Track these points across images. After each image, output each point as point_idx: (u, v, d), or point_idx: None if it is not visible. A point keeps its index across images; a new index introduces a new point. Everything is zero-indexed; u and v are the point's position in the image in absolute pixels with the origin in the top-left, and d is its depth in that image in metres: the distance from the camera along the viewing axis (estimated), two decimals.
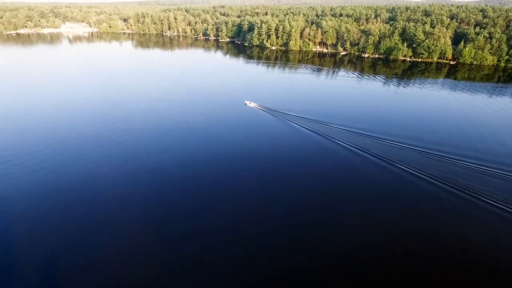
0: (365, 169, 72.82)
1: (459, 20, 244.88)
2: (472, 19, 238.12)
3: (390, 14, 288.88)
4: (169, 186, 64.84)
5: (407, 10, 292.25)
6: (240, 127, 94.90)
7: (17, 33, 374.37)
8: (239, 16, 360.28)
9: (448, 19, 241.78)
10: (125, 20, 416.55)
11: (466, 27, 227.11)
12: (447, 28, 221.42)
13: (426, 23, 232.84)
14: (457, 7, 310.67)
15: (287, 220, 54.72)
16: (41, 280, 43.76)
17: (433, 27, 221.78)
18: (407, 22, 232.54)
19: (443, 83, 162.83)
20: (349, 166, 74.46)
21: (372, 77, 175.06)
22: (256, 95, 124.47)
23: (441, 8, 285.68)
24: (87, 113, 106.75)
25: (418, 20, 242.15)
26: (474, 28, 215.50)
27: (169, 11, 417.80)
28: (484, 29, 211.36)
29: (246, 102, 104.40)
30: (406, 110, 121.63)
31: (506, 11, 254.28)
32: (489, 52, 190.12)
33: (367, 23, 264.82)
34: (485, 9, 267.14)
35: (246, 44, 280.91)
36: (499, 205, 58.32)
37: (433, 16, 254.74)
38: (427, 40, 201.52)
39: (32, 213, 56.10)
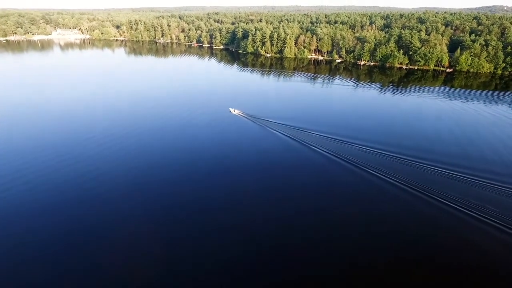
0: (347, 180, 71.49)
1: (454, 28, 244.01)
2: (467, 27, 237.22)
3: (385, 21, 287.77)
4: (140, 191, 65.75)
5: (401, 18, 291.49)
6: (220, 134, 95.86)
7: (6, 40, 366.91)
8: (233, 23, 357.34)
9: (443, 27, 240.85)
10: (117, 27, 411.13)
11: (461, 34, 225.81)
12: (442, 36, 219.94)
13: (421, 30, 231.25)
14: (451, 14, 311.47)
15: (269, 226, 55.88)
16: (39, 281, 44.57)
17: (429, 35, 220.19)
18: (402, 29, 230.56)
19: (439, 91, 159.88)
20: (330, 176, 73.27)
21: (367, 85, 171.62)
22: (244, 103, 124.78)
23: (435, 16, 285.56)
24: (75, 121, 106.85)
25: (413, 27, 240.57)
26: (470, 35, 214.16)
27: (163, 18, 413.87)
28: (479, 36, 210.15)
29: (230, 109, 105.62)
30: (400, 119, 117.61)
31: (499, 18, 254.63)
32: (486, 60, 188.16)
33: (362, 30, 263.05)
34: (478, 17, 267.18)
35: (240, 51, 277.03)
36: (494, 222, 56.67)
37: (427, 23, 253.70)
38: (423, 48, 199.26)
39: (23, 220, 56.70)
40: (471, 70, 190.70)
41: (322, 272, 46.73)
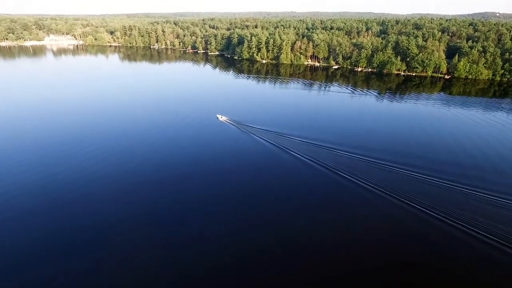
0: (330, 188, 70.48)
1: (450, 34, 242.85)
2: (464, 33, 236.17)
3: (381, 27, 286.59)
4: (124, 194, 66.34)
5: (397, 24, 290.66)
6: (203, 139, 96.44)
7: None
8: (228, 29, 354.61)
9: (440, 33, 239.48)
10: (111, 33, 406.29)
11: (458, 40, 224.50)
12: (439, 42, 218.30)
13: (417, 36, 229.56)
14: (446, 20, 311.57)
15: (250, 230, 56.18)
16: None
17: (425, 41, 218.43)
18: (399, 36, 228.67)
19: (437, 98, 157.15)
20: (315, 186, 71.62)
21: (364, 92, 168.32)
22: (235, 110, 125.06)
23: (431, 22, 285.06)
24: (62, 128, 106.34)
25: (409, 34, 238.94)
26: (467, 42, 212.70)
27: (157, 23, 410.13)
28: (477, 42, 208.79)
29: (218, 115, 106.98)
30: (395, 127, 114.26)
31: (495, 24, 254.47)
32: (484, 66, 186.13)
33: (358, 36, 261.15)
34: (474, 23, 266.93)
35: (236, 57, 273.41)
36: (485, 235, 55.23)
37: (424, 29, 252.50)
38: (420, 54, 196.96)
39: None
40: (470, 76, 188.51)
41: (303, 275, 47.11)
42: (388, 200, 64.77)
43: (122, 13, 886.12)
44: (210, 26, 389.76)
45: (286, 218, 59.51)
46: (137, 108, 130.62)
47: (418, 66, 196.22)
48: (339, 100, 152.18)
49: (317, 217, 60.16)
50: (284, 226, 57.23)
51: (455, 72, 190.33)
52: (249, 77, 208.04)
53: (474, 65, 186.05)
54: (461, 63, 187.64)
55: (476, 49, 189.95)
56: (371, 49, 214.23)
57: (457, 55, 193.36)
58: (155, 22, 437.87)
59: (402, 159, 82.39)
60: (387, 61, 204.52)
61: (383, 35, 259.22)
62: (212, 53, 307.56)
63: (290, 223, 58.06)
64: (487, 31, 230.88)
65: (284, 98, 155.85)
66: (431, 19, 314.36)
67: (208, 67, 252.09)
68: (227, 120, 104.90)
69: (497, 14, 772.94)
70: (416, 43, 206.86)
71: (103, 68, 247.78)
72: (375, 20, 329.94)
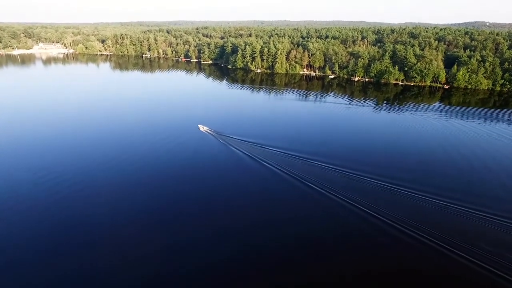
0: (305, 206, 67.36)
1: (447, 43, 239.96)
2: (460, 42, 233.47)
3: (376, 36, 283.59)
4: (105, 201, 67.18)
5: (392, 33, 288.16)
6: (181, 149, 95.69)
7: None
8: (222, 38, 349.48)
9: (436, 42, 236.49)
10: (103, 41, 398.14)
11: (455, 50, 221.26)
12: (436, 51, 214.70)
13: (414, 45, 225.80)
14: (441, 29, 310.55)
15: (226, 245, 55.11)
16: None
17: (422, 50, 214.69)
18: (395, 45, 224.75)
19: (435, 108, 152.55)
20: (289, 199, 69.59)
21: (361, 102, 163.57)
22: (220, 120, 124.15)
23: (426, 31, 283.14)
24: (41, 140, 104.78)
25: (406, 43, 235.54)
26: (464, 51, 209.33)
27: (150, 32, 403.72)
28: (474, 52, 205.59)
29: (199, 126, 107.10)
30: (393, 141, 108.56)
31: (490, 33, 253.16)
32: (484, 76, 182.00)
33: (354, 45, 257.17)
34: (470, 32, 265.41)
35: (229, 66, 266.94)
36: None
37: (420, 38, 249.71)
38: (419, 63, 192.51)
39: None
40: (469, 86, 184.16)
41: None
42: (388, 225, 59.86)
43: (115, 21, 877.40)
44: (203, 35, 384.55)
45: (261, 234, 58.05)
46: (120, 116, 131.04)
47: (416, 75, 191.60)
48: (334, 111, 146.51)
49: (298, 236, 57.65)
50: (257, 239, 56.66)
51: (454, 82, 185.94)
52: (243, 87, 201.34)
53: (474, 75, 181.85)
54: (460, 72, 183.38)
55: (475, 59, 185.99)
56: (368, 58, 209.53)
57: (455, 64, 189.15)
58: (147, 30, 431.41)
59: (397, 174, 78.69)
60: (384, 71, 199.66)
61: (379, 44, 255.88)
62: (205, 62, 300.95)
63: (263, 237, 57.24)
64: (483, 40, 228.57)
65: (275, 109, 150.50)
66: (426, 28, 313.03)
67: (201, 76, 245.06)
68: (208, 131, 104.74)
69: (487, 24, 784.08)
70: (414, 52, 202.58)
71: (90, 77, 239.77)
72: (370, 29, 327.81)
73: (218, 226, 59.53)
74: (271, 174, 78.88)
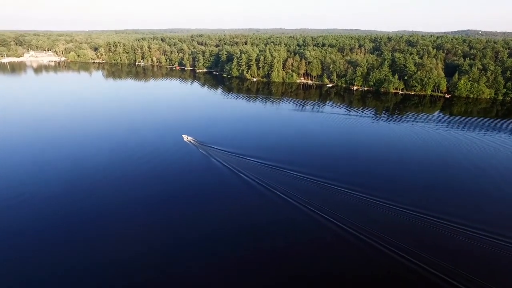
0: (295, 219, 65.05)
1: (445, 51, 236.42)
2: (459, 50, 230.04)
3: (374, 44, 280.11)
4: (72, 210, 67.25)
5: (390, 41, 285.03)
6: (160, 159, 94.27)
7: None
8: (217, 46, 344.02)
9: (435, 50, 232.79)
10: (95, 49, 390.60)
11: (455, 58, 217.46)
12: (435, 59, 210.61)
13: (412, 53, 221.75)
14: (437, 37, 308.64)
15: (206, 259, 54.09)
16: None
17: (421, 58, 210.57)
18: (395, 53, 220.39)
19: (436, 119, 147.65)
20: (264, 214, 67.00)
21: (360, 112, 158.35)
22: (208, 130, 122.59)
23: (424, 39, 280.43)
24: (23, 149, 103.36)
25: (404, 51, 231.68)
26: (464, 59, 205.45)
27: (143, 40, 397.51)
28: (473, 60, 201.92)
29: (183, 136, 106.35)
30: (392, 154, 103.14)
31: (487, 42, 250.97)
32: (485, 85, 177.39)
33: (351, 53, 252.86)
34: (469, 40, 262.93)
35: (224, 75, 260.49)
36: None
37: (418, 46, 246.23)
38: (419, 72, 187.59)
39: None
40: (471, 95, 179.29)
41: None
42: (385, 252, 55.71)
43: (110, 29, 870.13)
44: (198, 43, 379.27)
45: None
46: (105, 124, 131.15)
47: (416, 84, 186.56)
48: (331, 122, 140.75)
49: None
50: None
51: (456, 91, 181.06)
52: (238, 96, 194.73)
53: (475, 84, 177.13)
54: (462, 81, 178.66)
55: (476, 67, 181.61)
56: (366, 67, 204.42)
57: (457, 73, 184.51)
58: (141, 38, 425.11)
59: (398, 196, 73.11)
60: (384, 79, 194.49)
61: (376, 52, 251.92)
62: (200, 71, 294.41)
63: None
64: (482, 48, 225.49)
65: (269, 119, 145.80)
66: (423, 36, 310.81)
67: (195, 85, 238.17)
68: (192, 141, 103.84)
69: (480, 32, 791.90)
70: (413, 60, 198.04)
71: (79, 86, 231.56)
72: (367, 37, 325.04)
73: (192, 236, 59.12)
74: (247, 186, 76.36)
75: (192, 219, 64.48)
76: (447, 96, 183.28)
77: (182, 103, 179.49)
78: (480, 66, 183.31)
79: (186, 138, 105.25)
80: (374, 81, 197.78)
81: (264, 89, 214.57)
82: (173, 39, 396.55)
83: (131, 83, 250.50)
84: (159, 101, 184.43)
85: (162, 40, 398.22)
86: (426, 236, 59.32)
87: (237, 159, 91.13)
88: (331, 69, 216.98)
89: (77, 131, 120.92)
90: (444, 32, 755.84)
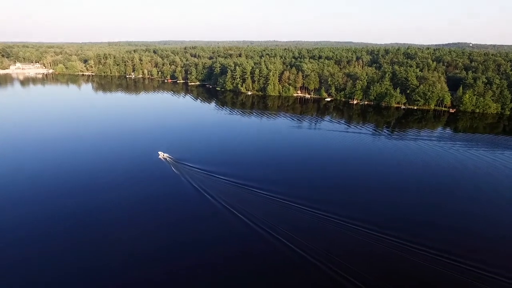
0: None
1: (446, 64, 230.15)
2: (460, 63, 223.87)
3: (371, 57, 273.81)
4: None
5: (387, 53, 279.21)
6: (130, 176, 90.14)
7: None
8: (211, 58, 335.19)
9: (434, 63, 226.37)
10: (85, 61, 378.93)
11: (456, 71, 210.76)
12: (437, 72, 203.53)
13: (411, 66, 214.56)
14: (434, 50, 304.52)
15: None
16: None
17: (421, 71, 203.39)
18: (396, 66, 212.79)
19: (439, 135, 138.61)
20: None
21: (359, 127, 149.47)
22: (189, 147, 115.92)
23: (422, 51, 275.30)
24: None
25: (403, 63, 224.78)
26: (466, 72, 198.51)
27: (135, 51, 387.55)
28: (475, 73, 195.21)
29: (159, 153, 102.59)
30: (393, 176, 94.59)
31: (485, 54, 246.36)
32: (491, 99, 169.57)
33: (349, 65, 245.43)
34: (469, 52, 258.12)
35: (218, 88, 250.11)
36: None
37: (417, 59, 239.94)
38: (421, 86, 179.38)
39: None
40: (477, 110, 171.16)
41: None
42: None
43: (103, 41, 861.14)
44: (191, 55, 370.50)
45: None
46: (83, 138, 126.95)
47: (419, 98, 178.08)
48: (328, 138, 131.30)
49: None
50: None
51: (461, 105, 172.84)
52: (232, 111, 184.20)
53: (481, 98, 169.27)
54: (467, 95, 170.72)
55: (481, 81, 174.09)
56: (366, 80, 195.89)
57: (461, 87, 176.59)
58: (133, 50, 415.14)
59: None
60: (385, 93, 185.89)
61: (375, 65, 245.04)
62: (193, 83, 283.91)
63: None
64: (483, 61, 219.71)
65: (261, 136, 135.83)
66: (420, 48, 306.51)
67: (188, 99, 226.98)
68: (167, 158, 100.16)
69: (470, 45, 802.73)
70: (415, 73, 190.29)
71: (64, 99, 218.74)
72: (364, 49, 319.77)
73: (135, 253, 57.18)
74: (209, 209, 71.23)
75: (141, 236, 62.34)
76: (451, 110, 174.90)
77: (170, 118, 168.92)
78: (485, 80, 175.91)
79: (162, 155, 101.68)
80: (375, 95, 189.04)
81: (260, 103, 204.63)
82: (166, 51, 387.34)
83: (120, 96, 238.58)
84: (146, 115, 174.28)
85: (154, 52, 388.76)
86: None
87: (212, 179, 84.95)
88: (329, 82, 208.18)
89: (49, 143, 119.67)
90: (436, 45, 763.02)
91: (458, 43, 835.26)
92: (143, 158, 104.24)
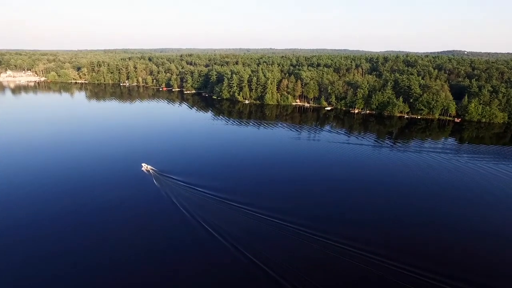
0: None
1: (447, 71, 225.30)
2: (462, 71, 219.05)
3: (370, 64, 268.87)
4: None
5: (386, 61, 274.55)
6: (108, 187, 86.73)
7: None
8: (207, 65, 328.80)
9: (436, 71, 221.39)
10: (78, 69, 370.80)
11: (459, 79, 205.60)
12: (440, 80, 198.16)
13: (412, 74, 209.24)
14: (434, 57, 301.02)
15: None
16: None
17: (423, 79, 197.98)
18: (394, 73, 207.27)
19: (443, 146, 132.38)
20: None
21: (360, 137, 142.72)
22: (177, 159, 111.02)
23: (422, 59, 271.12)
24: None
25: (403, 71, 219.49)
26: (470, 80, 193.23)
27: (129, 59, 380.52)
28: (478, 81, 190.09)
29: (143, 164, 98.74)
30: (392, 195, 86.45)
31: (485, 61, 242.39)
32: (498, 108, 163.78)
33: (348, 73, 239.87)
34: (470, 60, 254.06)
35: (214, 97, 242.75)
36: None
37: (418, 66, 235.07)
38: (425, 95, 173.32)
39: None
40: (483, 120, 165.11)
41: None
42: None
43: (99, 48, 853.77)
44: (187, 62, 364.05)
45: None
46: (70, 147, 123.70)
47: (423, 107, 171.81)
48: (327, 150, 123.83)
49: None
50: None
51: (466, 114, 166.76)
52: (228, 120, 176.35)
53: (487, 107, 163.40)
54: (472, 104, 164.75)
55: (486, 89, 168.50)
56: (367, 89, 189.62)
57: (466, 95, 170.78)
58: (128, 58, 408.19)
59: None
60: (387, 102, 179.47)
61: (375, 73, 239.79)
62: (188, 92, 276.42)
63: None
64: (485, 69, 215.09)
65: (257, 146, 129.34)
66: (419, 55, 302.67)
67: (183, 108, 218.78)
68: (151, 170, 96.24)
69: (465, 52, 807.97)
70: (418, 81, 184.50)
71: (51, 109, 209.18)
72: (362, 57, 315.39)
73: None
74: (181, 223, 67.92)
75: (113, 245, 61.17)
76: (456, 120, 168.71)
77: (162, 128, 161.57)
78: (490, 88, 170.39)
79: (145, 167, 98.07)
80: (377, 104, 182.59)
81: (257, 112, 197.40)
82: (161, 58, 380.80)
83: (111, 105, 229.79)
84: (136, 124, 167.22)
85: (149, 59, 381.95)
86: None
87: (193, 192, 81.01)
88: (329, 91, 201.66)
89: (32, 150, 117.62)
90: (431, 52, 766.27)
91: (453, 50, 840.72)
92: (125, 169, 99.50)
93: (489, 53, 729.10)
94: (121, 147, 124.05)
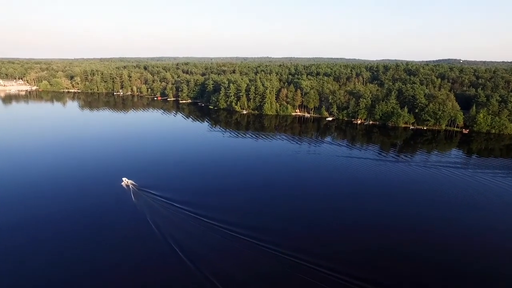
0: None
1: (451, 80, 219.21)
2: (466, 80, 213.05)
3: (371, 73, 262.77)
4: None
5: (387, 69, 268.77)
6: (82, 203, 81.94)
7: None
8: (203, 74, 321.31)
9: (439, 80, 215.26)
10: (71, 78, 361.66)
11: (463, 88, 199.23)
12: (440, 89, 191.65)
13: (414, 83, 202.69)
14: (434, 65, 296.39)
15: None
16: None
17: (427, 88, 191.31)
18: (396, 82, 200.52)
19: (448, 160, 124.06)
20: None
21: (363, 149, 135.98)
22: (162, 173, 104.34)
23: (423, 67, 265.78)
24: None
25: (406, 80, 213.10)
26: (476, 90, 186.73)
27: (124, 68, 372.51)
28: (484, 90, 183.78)
29: (123, 179, 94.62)
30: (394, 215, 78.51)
31: (486, 70, 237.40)
32: (507, 119, 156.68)
33: (349, 82, 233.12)
34: (474, 69, 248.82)
35: (211, 106, 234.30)
36: None
37: (420, 75, 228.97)
38: (431, 105, 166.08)
39: None
40: (493, 131, 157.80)
41: None
42: None
43: (95, 57, 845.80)
44: (183, 71, 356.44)
45: None
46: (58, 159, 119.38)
47: (429, 118, 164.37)
48: (326, 164, 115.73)
49: None
50: None
51: (474, 125, 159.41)
52: (224, 131, 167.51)
53: (497, 118, 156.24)
54: (481, 115, 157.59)
55: (495, 99, 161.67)
56: (370, 98, 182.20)
57: (474, 105, 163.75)
58: (122, 66, 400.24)
59: None
60: (391, 113, 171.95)
61: (375, 81, 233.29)
62: (184, 101, 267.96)
63: None
64: (490, 78, 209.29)
65: (252, 159, 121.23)
66: (422, 64, 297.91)
67: (178, 118, 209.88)
68: (131, 185, 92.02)
69: (461, 61, 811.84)
70: (424, 91, 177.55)
71: (40, 120, 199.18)
72: (361, 65, 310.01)
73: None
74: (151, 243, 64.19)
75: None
76: (464, 131, 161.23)
77: (152, 139, 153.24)
78: (499, 98, 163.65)
79: (126, 181, 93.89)
80: (381, 114, 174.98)
81: (256, 123, 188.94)
82: (157, 67, 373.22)
83: (104, 114, 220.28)
84: (125, 136, 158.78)
85: (144, 68, 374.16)
86: None
87: (171, 209, 76.89)
88: (330, 100, 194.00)
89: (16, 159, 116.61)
90: (427, 61, 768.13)
91: (449, 59, 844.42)
92: (106, 184, 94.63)
93: (484, 62, 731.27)
94: (106, 160, 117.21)
